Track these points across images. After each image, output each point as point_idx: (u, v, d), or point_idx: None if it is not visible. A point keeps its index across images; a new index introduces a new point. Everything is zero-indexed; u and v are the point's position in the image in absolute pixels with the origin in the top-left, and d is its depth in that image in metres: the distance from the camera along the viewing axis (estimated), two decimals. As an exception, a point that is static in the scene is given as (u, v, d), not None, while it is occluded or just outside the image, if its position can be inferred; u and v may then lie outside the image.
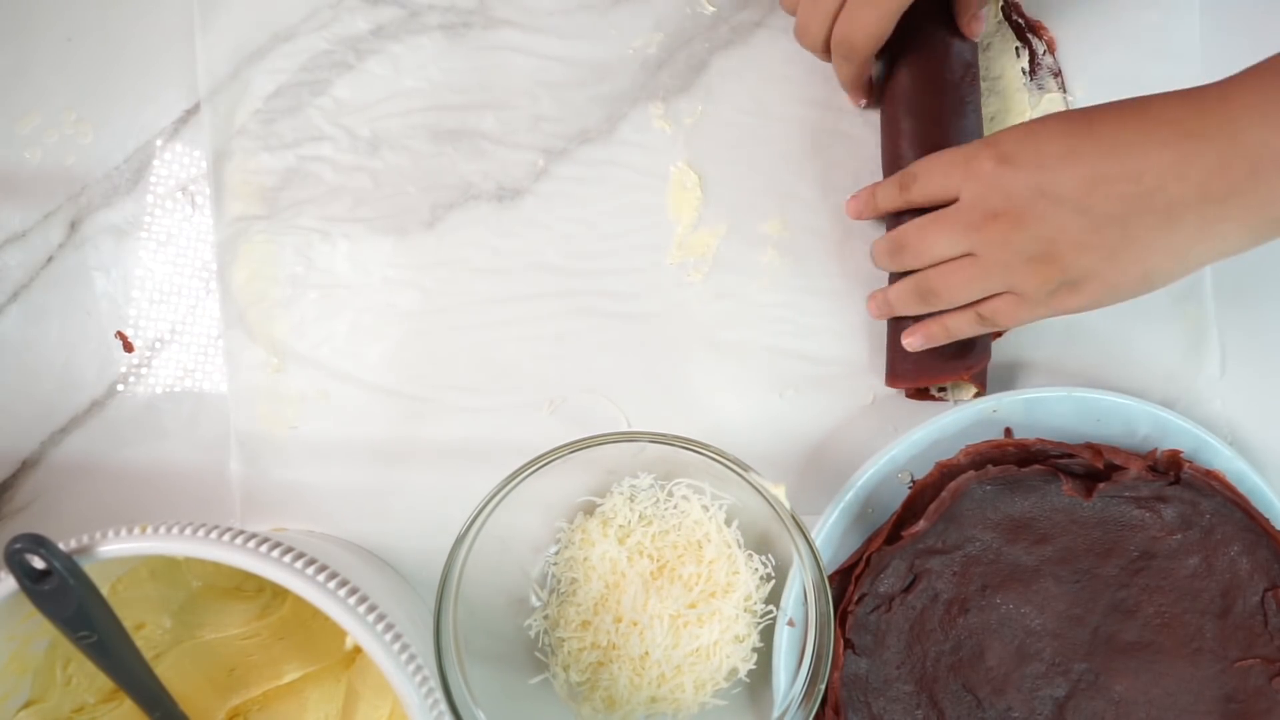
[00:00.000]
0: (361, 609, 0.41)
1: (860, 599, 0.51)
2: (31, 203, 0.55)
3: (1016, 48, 0.55)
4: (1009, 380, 0.55)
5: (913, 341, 0.50)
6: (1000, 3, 0.55)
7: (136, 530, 0.41)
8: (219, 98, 0.55)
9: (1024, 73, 0.55)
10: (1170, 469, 0.51)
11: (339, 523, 0.54)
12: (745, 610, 0.51)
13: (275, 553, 0.41)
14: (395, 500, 0.54)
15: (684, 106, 0.56)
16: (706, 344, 0.56)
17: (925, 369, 0.52)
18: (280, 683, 0.51)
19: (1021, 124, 0.45)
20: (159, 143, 0.55)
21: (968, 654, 0.51)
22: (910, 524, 0.51)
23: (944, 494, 0.50)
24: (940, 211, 0.47)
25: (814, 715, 0.47)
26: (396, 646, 0.41)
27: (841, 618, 0.51)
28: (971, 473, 0.51)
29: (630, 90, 0.56)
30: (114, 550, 0.41)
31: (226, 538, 0.41)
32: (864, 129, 0.56)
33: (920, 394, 0.55)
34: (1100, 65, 0.57)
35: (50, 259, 0.55)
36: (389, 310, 0.55)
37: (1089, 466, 0.51)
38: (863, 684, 0.51)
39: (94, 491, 0.54)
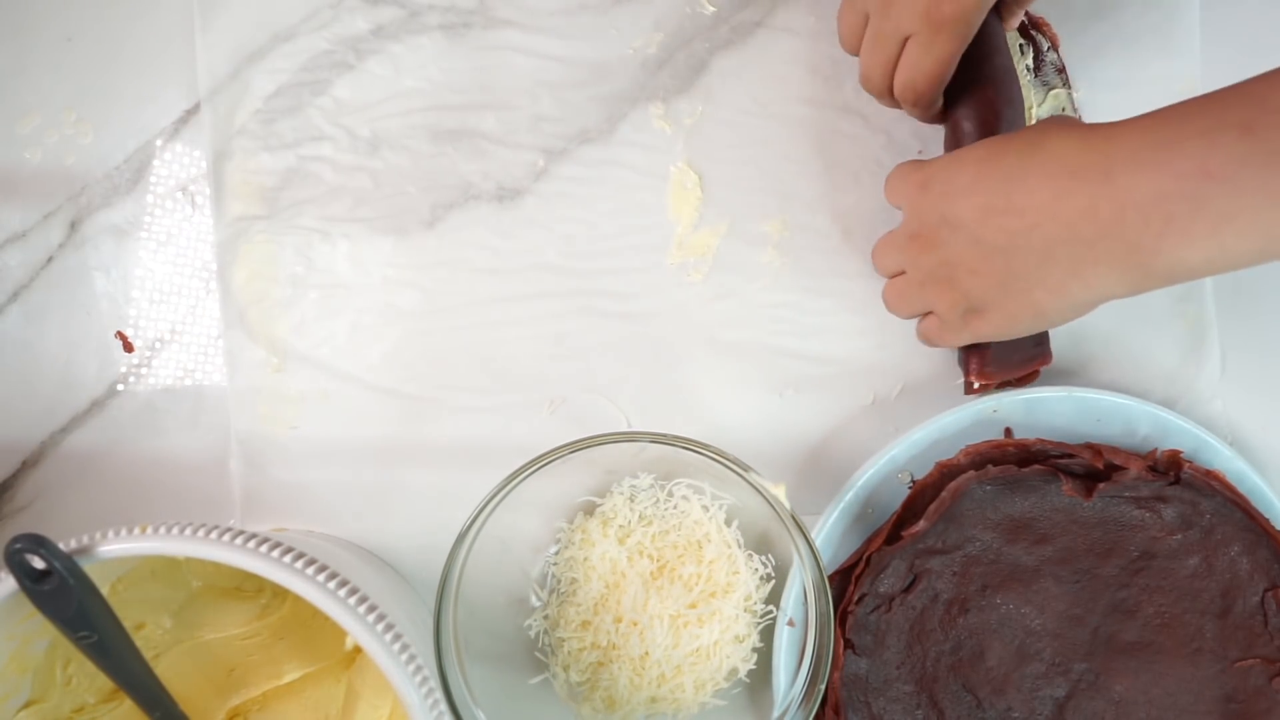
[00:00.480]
0: (361, 609, 0.41)
1: (860, 599, 0.51)
2: (31, 203, 0.55)
3: (1020, 45, 0.55)
4: (1009, 380, 0.55)
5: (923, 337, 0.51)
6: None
7: (136, 530, 0.41)
8: (219, 98, 0.55)
9: (1029, 69, 0.55)
10: (1170, 469, 0.51)
11: (339, 523, 0.54)
12: (745, 610, 0.51)
13: (275, 553, 0.41)
14: (395, 500, 0.54)
15: (684, 106, 0.56)
16: (706, 344, 0.56)
17: (1013, 363, 0.51)
18: (280, 683, 0.51)
19: (954, 151, 0.46)
20: (159, 143, 0.55)
21: (968, 654, 0.51)
22: (910, 524, 0.51)
23: (944, 494, 0.50)
24: (893, 229, 0.49)
25: (814, 715, 0.47)
26: (396, 646, 0.41)
27: (841, 618, 0.51)
28: (971, 473, 0.51)
29: (630, 90, 0.56)
30: (114, 550, 0.41)
31: (226, 538, 0.41)
32: (864, 129, 0.56)
33: (984, 388, 0.54)
34: (1101, 66, 0.57)
35: (50, 259, 0.55)
36: (389, 310, 0.55)
37: (1089, 466, 0.51)
38: (863, 684, 0.51)
39: (94, 491, 0.54)
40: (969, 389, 0.53)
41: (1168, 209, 0.37)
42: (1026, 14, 0.55)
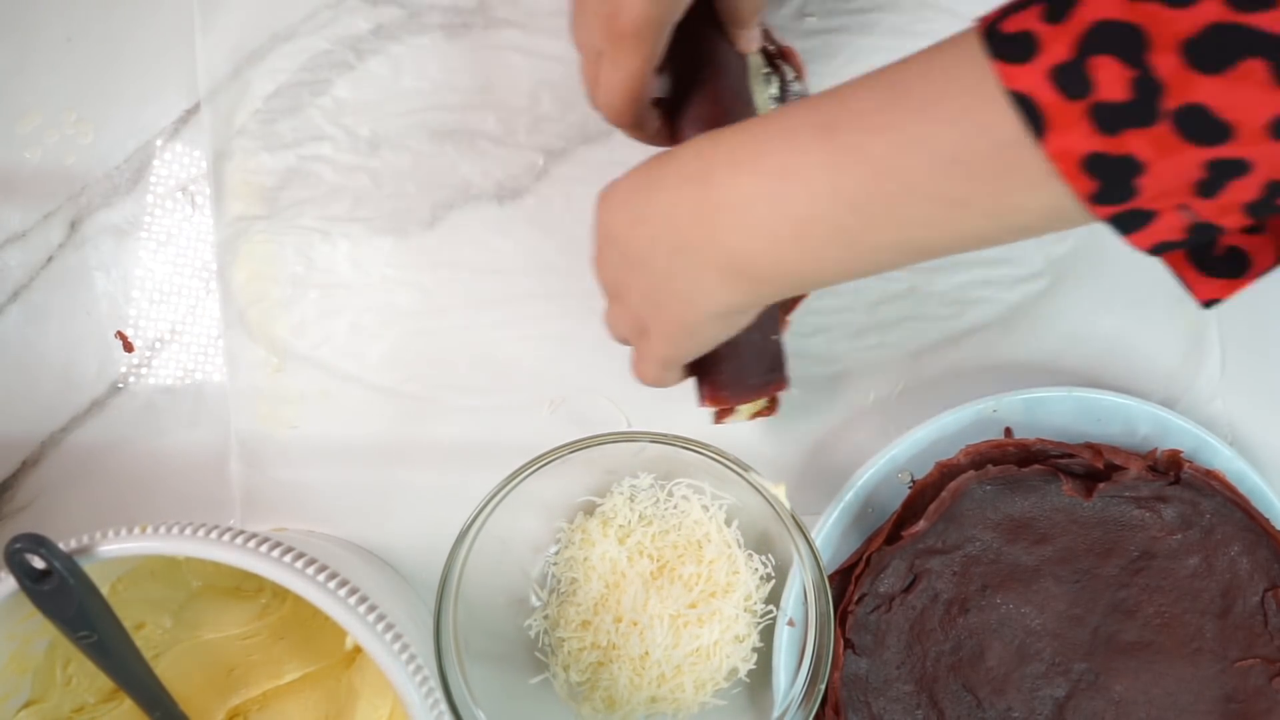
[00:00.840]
0: (361, 609, 0.41)
1: (860, 599, 0.51)
2: (31, 203, 0.55)
3: (766, 73, 0.54)
4: (1009, 380, 0.55)
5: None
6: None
7: (136, 530, 0.41)
8: (219, 98, 0.55)
9: (774, 99, 0.54)
10: (1170, 469, 0.51)
11: (339, 523, 0.54)
12: (745, 610, 0.51)
13: (275, 553, 0.41)
14: (395, 500, 0.54)
15: (684, 106, 0.56)
16: (706, 344, 0.56)
17: (747, 386, 0.49)
18: (280, 683, 0.51)
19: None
20: (159, 143, 0.55)
21: (968, 654, 0.51)
22: (910, 524, 0.51)
23: (944, 494, 0.50)
24: None
25: (814, 715, 0.47)
26: (396, 646, 0.41)
27: (841, 618, 0.51)
28: (971, 473, 0.51)
29: (630, 90, 0.56)
30: (114, 550, 0.41)
31: (226, 538, 0.41)
32: (864, 129, 0.56)
33: (727, 413, 0.52)
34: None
35: (50, 259, 0.55)
36: (389, 310, 0.55)
37: (1089, 466, 0.51)
38: (863, 684, 0.51)
39: (94, 491, 0.54)
40: (716, 418, 0.51)
41: (753, 211, 0.35)
42: (773, 42, 0.52)
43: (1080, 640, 0.51)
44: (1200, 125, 0.26)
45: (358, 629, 0.41)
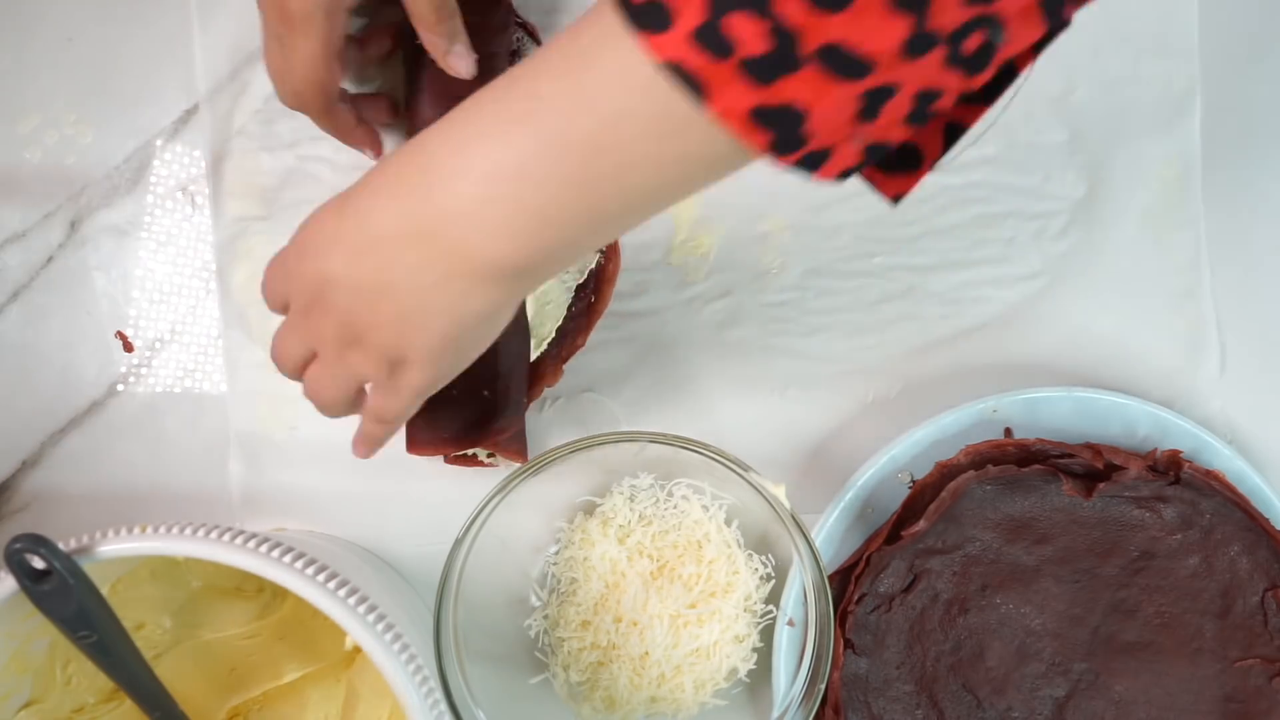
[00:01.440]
0: (361, 609, 0.41)
1: (860, 599, 0.51)
2: (31, 203, 0.55)
3: (516, 47, 0.53)
4: (1009, 380, 0.55)
5: (362, 453, 0.45)
6: (518, 35, 0.53)
7: (136, 530, 0.41)
8: (218, 98, 0.55)
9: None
10: (1170, 469, 0.51)
11: (339, 523, 0.54)
12: (745, 610, 0.51)
13: (275, 553, 0.41)
14: (395, 500, 0.54)
15: (684, 106, 0.56)
16: (707, 344, 0.56)
17: (442, 439, 0.49)
18: (280, 683, 0.51)
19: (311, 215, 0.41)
20: (159, 143, 0.55)
21: (968, 654, 0.51)
22: (910, 524, 0.51)
23: (944, 494, 0.50)
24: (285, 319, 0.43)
25: (814, 715, 0.47)
26: (396, 646, 0.41)
27: (841, 618, 0.51)
28: (971, 473, 0.51)
29: (630, 90, 0.56)
30: (114, 550, 0.41)
31: (226, 538, 0.41)
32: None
33: (462, 459, 0.53)
34: (1099, 64, 0.57)
35: (50, 259, 0.55)
36: (389, 310, 0.55)
37: (1089, 466, 0.51)
38: (863, 684, 0.51)
39: (94, 491, 0.54)
40: (448, 459, 0.52)
41: (487, 214, 0.34)
42: (521, 23, 0.52)
43: (1080, 640, 0.51)
44: (842, 62, 0.28)
45: (357, 629, 0.41)
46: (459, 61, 0.47)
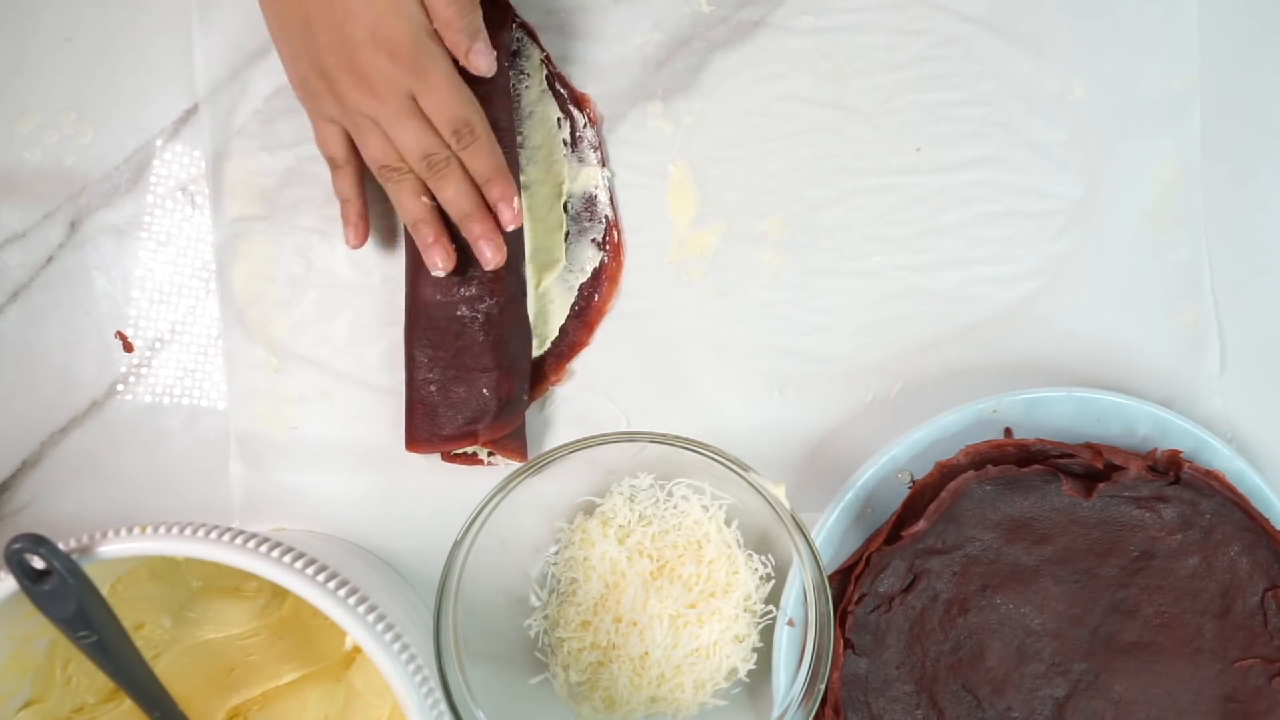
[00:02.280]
0: (361, 609, 0.41)
1: (860, 599, 0.51)
2: (31, 203, 0.55)
3: (559, 119, 0.55)
4: (1009, 380, 0.55)
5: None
6: (545, 72, 0.55)
7: (136, 530, 0.41)
8: (218, 98, 0.55)
9: (565, 144, 0.55)
10: (1170, 469, 0.51)
11: (339, 523, 0.54)
12: (745, 610, 0.51)
13: (275, 553, 0.41)
14: (395, 500, 0.54)
15: (682, 106, 0.56)
16: (706, 343, 0.56)
17: (442, 436, 0.51)
18: (280, 683, 0.51)
19: None
20: (159, 143, 0.55)
21: (968, 654, 0.51)
22: (910, 524, 0.51)
23: (944, 494, 0.50)
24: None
25: (814, 715, 0.47)
26: (396, 646, 0.41)
27: (841, 618, 0.51)
28: (971, 473, 0.51)
29: (629, 89, 0.56)
30: (114, 550, 0.41)
31: (226, 538, 0.41)
32: (864, 128, 0.56)
33: (461, 458, 0.53)
34: (1099, 63, 0.57)
35: (50, 259, 0.55)
36: (389, 310, 0.55)
37: (1089, 466, 0.51)
38: (863, 684, 0.51)
39: (94, 491, 0.54)
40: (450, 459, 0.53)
41: None
42: (568, 88, 0.55)
43: (1080, 640, 0.51)
44: None
45: (357, 629, 0.41)
46: (479, 59, 0.48)
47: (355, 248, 0.52)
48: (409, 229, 0.50)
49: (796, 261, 0.56)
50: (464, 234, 0.49)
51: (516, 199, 0.49)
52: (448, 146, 0.48)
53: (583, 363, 0.55)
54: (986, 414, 0.52)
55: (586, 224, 0.55)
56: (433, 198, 0.49)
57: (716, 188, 0.56)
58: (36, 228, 0.55)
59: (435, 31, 0.47)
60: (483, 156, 0.48)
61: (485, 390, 0.50)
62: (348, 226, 0.52)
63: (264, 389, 0.55)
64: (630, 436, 0.48)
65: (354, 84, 0.47)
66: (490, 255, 0.49)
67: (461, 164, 0.48)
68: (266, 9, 0.48)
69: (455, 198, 0.49)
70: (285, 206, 0.55)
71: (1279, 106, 0.57)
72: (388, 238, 0.55)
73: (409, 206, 0.49)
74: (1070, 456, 0.52)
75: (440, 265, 0.49)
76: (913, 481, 0.53)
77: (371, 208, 0.55)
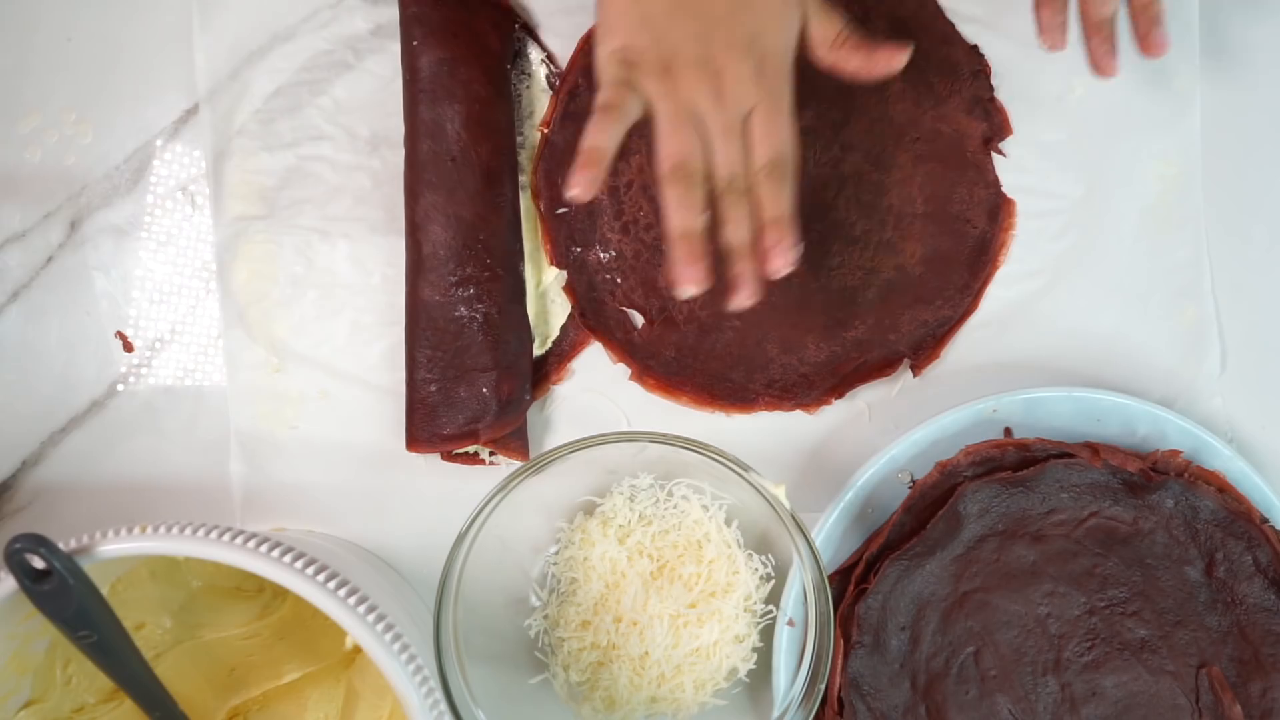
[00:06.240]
0: (361, 609, 0.41)
1: (860, 599, 0.51)
2: (31, 203, 0.55)
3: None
4: (1009, 380, 0.55)
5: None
6: (545, 72, 0.55)
7: (136, 530, 0.41)
8: (218, 98, 0.55)
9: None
10: (1170, 469, 0.51)
11: (339, 523, 0.54)
12: (745, 610, 0.51)
13: (275, 553, 0.41)
14: (395, 500, 0.54)
15: (684, 106, 0.56)
16: (706, 344, 0.56)
17: (443, 436, 0.51)
18: (280, 683, 0.51)
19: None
20: (159, 143, 0.55)
21: (967, 654, 0.51)
22: (910, 524, 0.51)
23: (943, 494, 0.50)
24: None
25: (814, 715, 0.47)
26: (396, 646, 0.41)
27: (841, 618, 0.51)
28: (971, 472, 0.51)
29: (630, 90, 0.56)
30: (114, 550, 0.41)
31: (226, 538, 0.41)
32: (864, 129, 0.56)
33: (462, 458, 0.53)
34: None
35: (50, 259, 0.55)
36: (389, 310, 0.55)
37: (1089, 466, 0.51)
38: (863, 684, 0.51)
39: (94, 491, 0.54)
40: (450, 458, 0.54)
41: None
42: (521, 23, 0.55)
43: (1079, 640, 0.51)
44: None
45: (357, 629, 0.41)
46: (881, 64, 0.47)
47: (579, 200, 0.45)
48: (672, 239, 0.45)
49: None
50: (727, 263, 0.45)
51: (794, 250, 0.45)
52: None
53: (583, 362, 0.55)
54: (986, 414, 0.52)
55: None
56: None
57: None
58: (36, 228, 0.55)
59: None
60: (784, 198, 0.45)
61: (485, 390, 0.50)
62: (583, 173, 0.44)
63: (264, 389, 0.55)
64: (630, 436, 0.48)
65: (700, 79, 0.43)
66: (745, 297, 0.45)
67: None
68: None
69: (738, 227, 0.45)
70: (285, 206, 0.55)
71: (1279, 107, 0.57)
72: (388, 238, 0.55)
73: (685, 218, 0.44)
74: (1070, 456, 0.52)
75: (694, 287, 0.44)
76: (913, 481, 0.53)
77: (374, 207, 0.55)
